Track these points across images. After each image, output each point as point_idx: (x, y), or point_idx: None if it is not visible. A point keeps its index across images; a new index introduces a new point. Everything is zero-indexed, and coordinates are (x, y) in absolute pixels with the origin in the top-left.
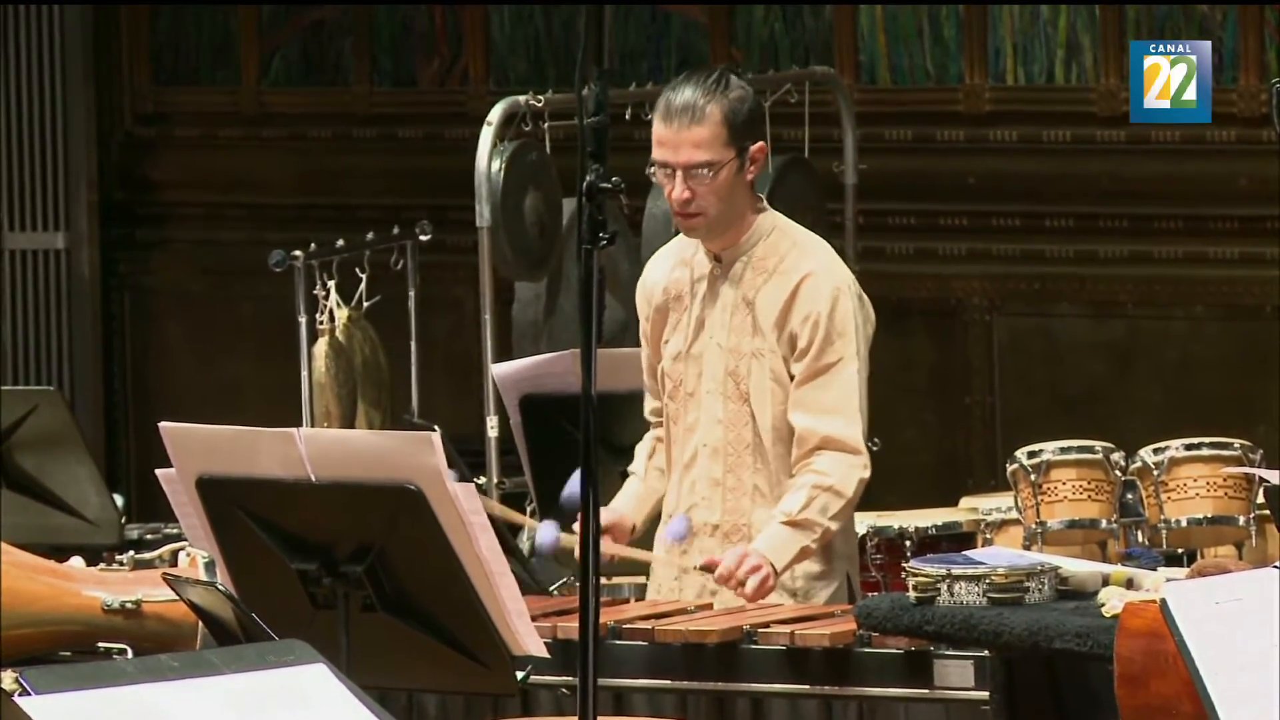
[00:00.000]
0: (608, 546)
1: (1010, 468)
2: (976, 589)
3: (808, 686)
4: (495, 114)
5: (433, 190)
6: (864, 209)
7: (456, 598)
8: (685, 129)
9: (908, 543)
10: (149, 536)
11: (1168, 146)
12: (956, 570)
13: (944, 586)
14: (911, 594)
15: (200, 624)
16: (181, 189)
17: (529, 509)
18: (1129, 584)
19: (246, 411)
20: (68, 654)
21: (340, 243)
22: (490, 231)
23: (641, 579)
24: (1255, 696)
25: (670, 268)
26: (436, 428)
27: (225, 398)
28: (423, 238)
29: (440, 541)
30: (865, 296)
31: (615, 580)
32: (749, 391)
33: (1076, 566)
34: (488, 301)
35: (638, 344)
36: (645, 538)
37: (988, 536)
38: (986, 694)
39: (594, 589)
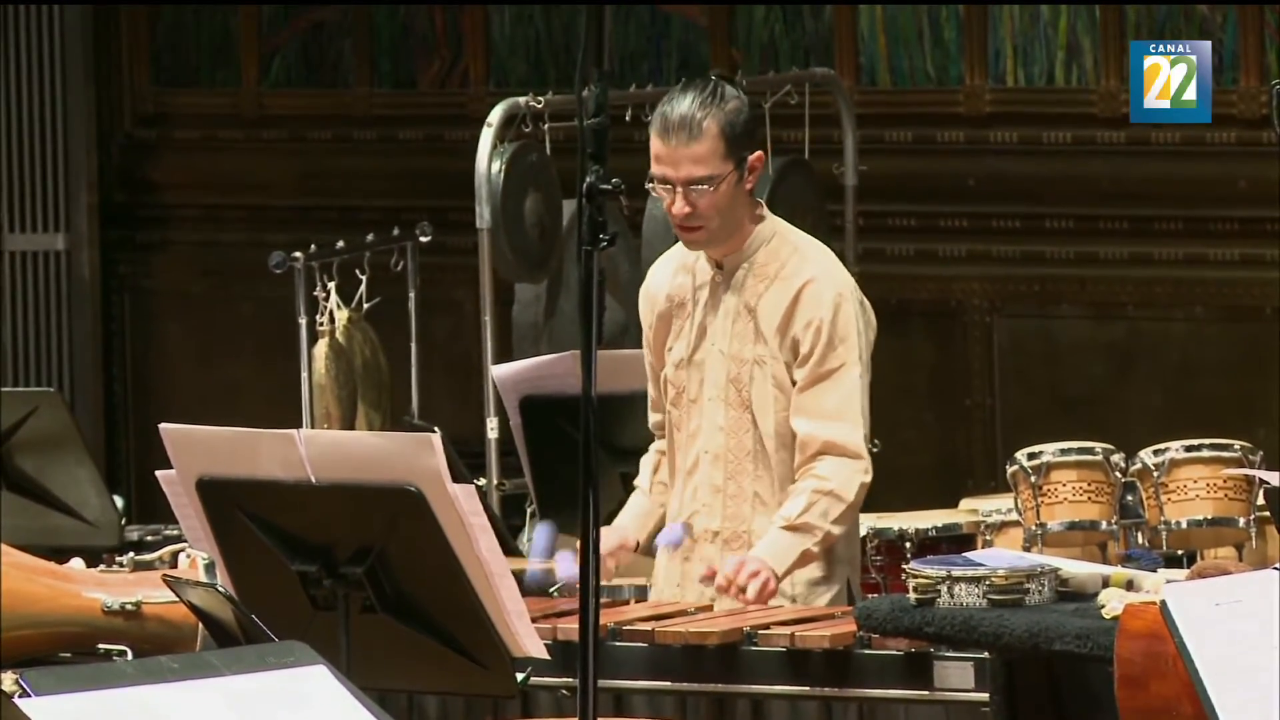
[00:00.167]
0: (609, 566)
1: (1010, 469)
2: (976, 590)
3: (808, 688)
4: (495, 115)
5: (433, 192)
6: (864, 210)
7: (457, 599)
8: (683, 145)
9: (908, 544)
10: (149, 538)
11: (1168, 148)
12: (956, 572)
13: (944, 588)
14: (911, 595)
15: (200, 626)
16: (182, 190)
17: (529, 510)
18: (1129, 585)
19: (246, 413)
20: (68, 655)
21: (340, 244)
22: (490, 233)
23: (642, 580)
24: (1255, 698)
25: (672, 274)
26: (437, 429)
27: (225, 399)
28: (423, 239)
29: (440, 543)
30: (866, 302)
31: (615, 581)
32: (751, 398)
33: (1076, 568)
34: (488, 303)
35: (638, 346)
36: (650, 556)
37: (988, 538)
38: (987, 695)
39: (594, 590)
